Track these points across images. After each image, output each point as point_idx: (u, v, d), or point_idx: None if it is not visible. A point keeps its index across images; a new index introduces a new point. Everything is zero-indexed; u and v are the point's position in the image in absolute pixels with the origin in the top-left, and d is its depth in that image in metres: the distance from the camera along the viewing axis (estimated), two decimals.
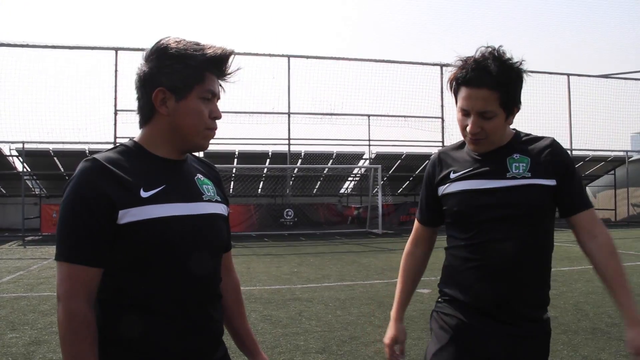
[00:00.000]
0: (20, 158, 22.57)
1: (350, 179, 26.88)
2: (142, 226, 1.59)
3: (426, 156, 25.47)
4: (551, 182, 1.99)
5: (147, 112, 1.73)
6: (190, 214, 1.70)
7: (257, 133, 26.63)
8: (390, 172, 24.93)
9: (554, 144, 2.06)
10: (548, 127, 25.13)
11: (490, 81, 1.92)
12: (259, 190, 25.89)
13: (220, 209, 1.88)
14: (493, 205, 2.00)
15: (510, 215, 1.98)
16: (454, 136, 24.39)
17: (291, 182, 24.80)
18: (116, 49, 22.21)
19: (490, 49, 1.97)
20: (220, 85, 1.80)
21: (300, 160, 24.82)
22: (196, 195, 1.76)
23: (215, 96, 1.76)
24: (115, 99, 22.26)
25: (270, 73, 23.49)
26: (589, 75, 27.63)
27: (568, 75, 26.88)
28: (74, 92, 24.21)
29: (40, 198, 24.95)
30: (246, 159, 24.03)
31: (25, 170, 23.07)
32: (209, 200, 1.80)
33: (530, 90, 24.93)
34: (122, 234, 1.58)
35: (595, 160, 28.06)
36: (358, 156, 25.46)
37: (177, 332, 1.64)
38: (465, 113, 2.02)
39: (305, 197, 24.87)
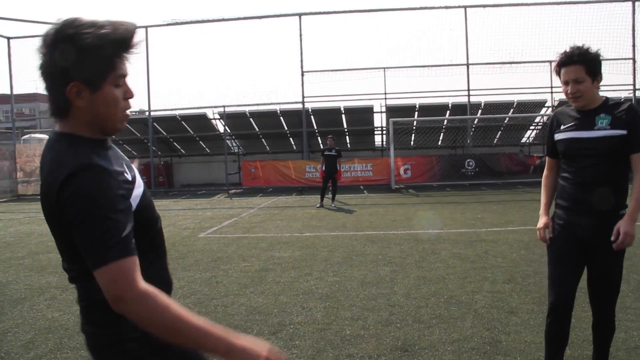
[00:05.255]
0: (222, 121, 25.09)
1: (532, 127, 26.23)
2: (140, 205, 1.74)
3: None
4: (624, 132, 3.11)
5: (62, 104, 1.66)
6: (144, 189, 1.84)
7: (436, 85, 26.98)
8: None
9: (630, 107, 3.17)
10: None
11: (578, 60, 3.14)
12: (440, 141, 26.33)
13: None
14: (584, 147, 3.21)
15: (595, 153, 3.17)
16: None
17: (472, 133, 24.91)
18: (299, 15, 23.57)
19: (574, 46, 3.18)
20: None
21: (480, 111, 24.77)
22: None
23: (126, 76, 1.75)
24: (302, 61, 23.76)
25: (447, 25, 23.58)
26: None
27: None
28: (265, 58, 26.32)
29: (239, 156, 27.54)
30: (426, 111, 24.50)
31: (226, 131, 25.59)
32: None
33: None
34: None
35: None
36: (540, 104, 24.78)
37: None
38: (566, 83, 3.21)
39: (486, 147, 24.83)
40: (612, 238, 3.10)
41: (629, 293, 5.60)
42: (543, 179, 3.66)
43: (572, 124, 3.28)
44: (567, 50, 3.19)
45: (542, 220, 3.50)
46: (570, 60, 3.15)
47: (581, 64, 3.13)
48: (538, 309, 5.08)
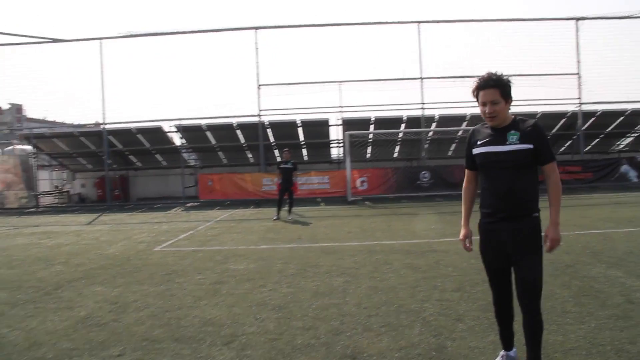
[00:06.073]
0: (178, 134, 25.00)
1: None
2: None
3: (562, 114, 24.79)
4: (530, 146, 3.57)
5: None
6: None
7: (391, 99, 27.35)
8: None
9: (535, 124, 3.65)
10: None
11: (493, 84, 3.59)
12: (395, 154, 26.70)
13: None
14: (497, 160, 3.64)
15: (506, 165, 3.61)
16: (593, 92, 23.55)
17: (426, 145, 25.35)
18: (256, 28, 23.74)
19: (490, 73, 3.63)
20: None
21: (434, 124, 25.25)
22: None
23: None
24: (258, 74, 23.91)
25: (402, 40, 24.04)
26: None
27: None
28: (221, 72, 26.36)
29: (196, 169, 27.43)
30: (382, 124, 24.83)
31: (182, 144, 25.50)
32: None
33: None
34: None
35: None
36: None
37: None
38: (483, 104, 3.64)
39: (440, 159, 25.33)
40: (543, 244, 3.66)
41: (569, 298, 5.85)
42: (463, 191, 4.08)
43: (487, 139, 3.73)
44: (485, 75, 3.65)
45: (462, 232, 4.04)
46: (487, 84, 3.61)
47: (496, 88, 3.59)
48: (483, 316, 5.27)
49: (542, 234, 3.68)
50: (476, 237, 3.92)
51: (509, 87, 3.65)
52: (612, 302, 5.65)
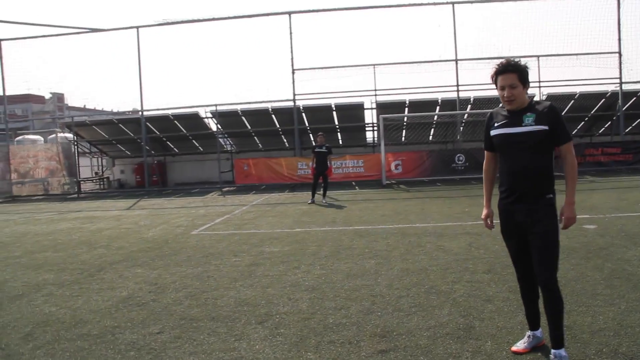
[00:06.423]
0: (214, 119, 25.31)
1: None
2: None
3: (602, 95, 24.27)
4: (546, 127, 3.68)
5: None
6: None
7: (426, 82, 27.22)
8: (563, 113, 24.18)
9: (550, 105, 3.77)
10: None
11: (512, 69, 3.72)
12: (430, 137, 26.57)
13: None
14: (514, 141, 3.78)
15: (523, 146, 3.73)
16: (634, 71, 23.02)
17: (461, 128, 25.17)
18: (289, 13, 23.78)
19: (508, 59, 3.82)
20: None
21: (469, 106, 25.02)
22: None
23: None
24: (292, 59, 24.00)
25: (436, 21, 23.88)
26: None
27: None
28: (256, 57, 26.59)
29: (232, 154, 27.76)
30: (416, 107, 24.72)
31: (218, 129, 25.83)
32: None
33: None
34: None
35: None
36: (529, 98, 25.10)
37: None
38: (502, 88, 3.76)
39: (476, 142, 25.07)
40: (560, 224, 3.75)
41: (600, 281, 5.86)
42: (483, 172, 4.24)
43: (504, 121, 3.88)
44: (503, 61, 3.82)
45: (484, 212, 4.21)
46: (506, 69, 3.75)
47: (515, 72, 3.73)
48: (513, 297, 5.33)
49: (558, 212, 3.79)
50: (498, 220, 4.06)
51: (527, 72, 3.80)
52: None
